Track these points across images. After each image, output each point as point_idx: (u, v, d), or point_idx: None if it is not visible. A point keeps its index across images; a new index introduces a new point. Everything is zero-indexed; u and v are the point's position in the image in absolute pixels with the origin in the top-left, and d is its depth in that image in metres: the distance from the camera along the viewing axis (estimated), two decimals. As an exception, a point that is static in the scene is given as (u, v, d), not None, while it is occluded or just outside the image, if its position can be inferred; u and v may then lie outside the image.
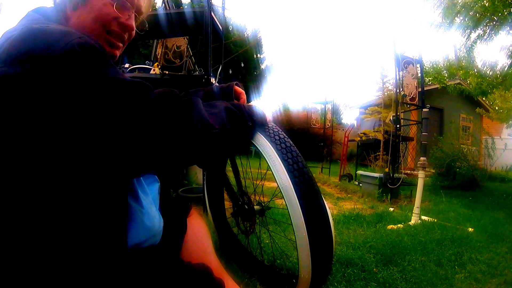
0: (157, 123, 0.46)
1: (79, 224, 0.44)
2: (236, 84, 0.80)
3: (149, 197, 0.61)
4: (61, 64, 0.41)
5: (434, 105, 7.71)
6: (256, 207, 1.01)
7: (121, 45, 0.61)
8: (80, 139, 0.43)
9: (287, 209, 0.71)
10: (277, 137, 0.76)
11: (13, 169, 0.41)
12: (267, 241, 1.29)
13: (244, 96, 0.80)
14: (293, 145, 0.76)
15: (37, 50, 0.41)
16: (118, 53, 0.62)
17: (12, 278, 0.39)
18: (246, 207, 1.01)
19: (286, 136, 0.78)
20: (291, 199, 0.69)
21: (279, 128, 0.79)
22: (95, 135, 0.43)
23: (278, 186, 0.72)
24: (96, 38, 0.50)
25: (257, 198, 1.08)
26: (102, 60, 0.45)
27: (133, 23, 0.60)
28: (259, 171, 1.04)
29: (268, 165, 0.75)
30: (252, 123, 0.67)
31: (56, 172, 0.42)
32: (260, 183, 1.10)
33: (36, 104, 0.41)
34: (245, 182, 1.07)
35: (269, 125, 0.79)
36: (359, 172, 3.95)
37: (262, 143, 0.76)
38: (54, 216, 0.42)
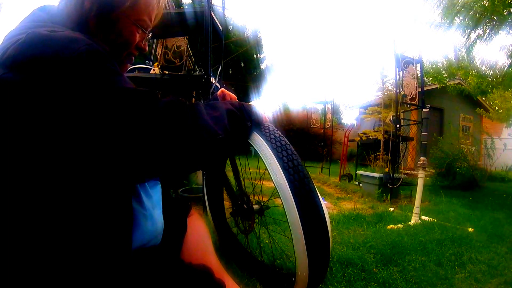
0: (165, 131, 0.47)
1: (84, 228, 0.43)
2: (222, 86, 0.81)
3: (152, 200, 0.61)
4: (68, 71, 0.40)
5: (434, 105, 7.72)
6: (255, 206, 1.01)
7: (131, 61, 0.64)
8: (88, 146, 0.42)
9: (283, 206, 0.71)
10: (272, 136, 0.77)
11: (22, 173, 0.40)
12: (267, 241, 1.29)
13: (230, 96, 0.82)
14: (288, 143, 0.77)
15: (44, 57, 0.40)
16: (126, 68, 0.65)
17: (20, 280, 0.39)
18: (245, 206, 1.01)
19: (282, 135, 0.79)
20: (286, 197, 0.70)
21: (274, 127, 0.80)
22: (103, 142, 0.43)
23: (274, 184, 0.73)
24: (113, 56, 0.50)
25: (257, 197, 1.08)
26: (110, 68, 0.45)
27: (146, 45, 0.63)
28: (258, 170, 1.04)
29: (264, 163, 0.76)
30: (250, 123, 0.68)
31: (64, 177, 0.42)
32: (259, 183, 1.10)
33: (43, 111, 0.40)
34: (244, 182, 1.07)
35: (265, 125, 0.80)
36: (359, 172, 3.95)
37: (258, 142, 0.77)
38: (60, 220, 0.41)
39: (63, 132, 0.41)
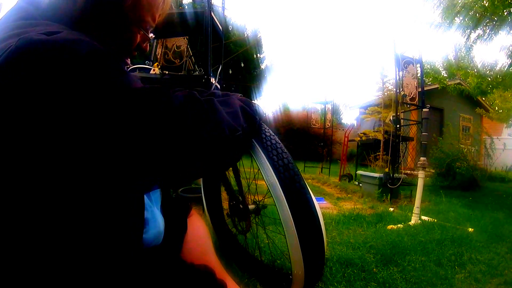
0: (185, 130, 0.44)
1: (96, 229, 0.42)
2: (222, 86, 0.81)
3: (152, 200, 0.61)
4: (72, 78, 0.37)
5: (434, 105, 7.71)
6: (251, 206, 1.01)
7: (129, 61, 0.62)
8: (105, 152, 0.40)
9: (275, 205, 0.72)
10: (263, 135, 0.78)
11: (35, 179, 0.38)
12: (267, 241, 1.29)
13: None
14: (279, 142, 0.78)
15: (42, 65, 0.36)
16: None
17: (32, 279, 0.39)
18: (241, 206, 1.01)
19: (273, 134, 0.80)
20: (277, 195, 0.71)
21: (266, 126, 0.81)
22: (120, 148, 0.40)
23: (265, 183, 0.74)
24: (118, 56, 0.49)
25: (253, 197, 1.08)
26: (116, 69, 0.42)
27: (147, 46, 0.61)
28: (251, 170, 1.04)
29: (257, 163, 0.77)
30: (259, 119, 0.65)
31: (79, 181, 0.40)
32: (254, 182, 1.10)
33: (48, 123, 0.36)
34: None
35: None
36: (359, 172, 3.95)
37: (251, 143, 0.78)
38: (70, 225, 0.40)
39: (73, 142, 0.38)
